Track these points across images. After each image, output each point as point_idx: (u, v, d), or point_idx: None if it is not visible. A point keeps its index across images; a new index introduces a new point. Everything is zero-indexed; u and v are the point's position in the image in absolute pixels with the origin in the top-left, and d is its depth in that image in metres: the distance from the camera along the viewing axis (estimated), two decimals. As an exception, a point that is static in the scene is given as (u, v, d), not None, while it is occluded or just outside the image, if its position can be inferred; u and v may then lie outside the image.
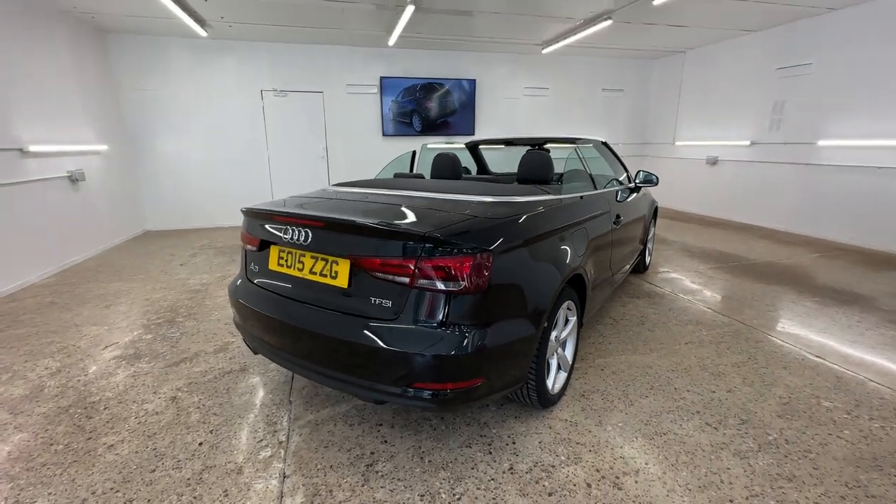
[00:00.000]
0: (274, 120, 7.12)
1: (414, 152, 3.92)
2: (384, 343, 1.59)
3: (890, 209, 5.06)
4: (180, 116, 6.73)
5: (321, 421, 2.13)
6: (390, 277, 1.62)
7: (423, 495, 1.68)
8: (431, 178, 3.31)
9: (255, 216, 2.08)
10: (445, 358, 1.54)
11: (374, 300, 1.66)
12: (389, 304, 1.63)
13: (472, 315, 1.60)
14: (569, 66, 8.25)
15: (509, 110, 8.23)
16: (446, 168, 3.22)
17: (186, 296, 3.89)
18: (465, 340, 1.57)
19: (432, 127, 7.82)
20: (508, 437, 2.00)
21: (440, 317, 1.58)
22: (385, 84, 7.39)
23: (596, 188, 2.87)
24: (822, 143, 5.69)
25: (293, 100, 7.13)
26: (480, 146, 4.35)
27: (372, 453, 1.91)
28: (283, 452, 1.91)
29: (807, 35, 5.81)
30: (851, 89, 5.36)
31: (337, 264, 1.75)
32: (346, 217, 1.76)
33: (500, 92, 8.06)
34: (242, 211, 2.19)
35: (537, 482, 1.73)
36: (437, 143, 4.29)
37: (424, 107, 7.67)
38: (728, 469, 1.79)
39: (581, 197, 2.53)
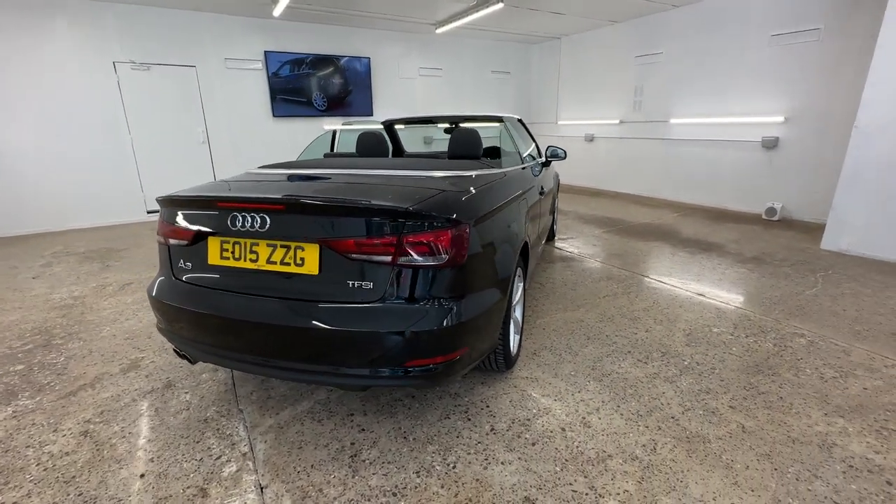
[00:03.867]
0: (136, 99, 6.02)
1: (334, 132, 3.69)
2: (371, 326, 1.53)
3: (721, 174, 6.30)
4: (-2, 93, 5.30)
5: (284, 423, 1.97)
6: (370, 257, 1.55)
7: (418, 472, 1.68)
8: (325, 156, 3.16)
9: (185, 204, 1.79)
10: (434, 332, 1.54)
11: (353, 283, 1.58)
12: (371, 285, 1.56)
13: (454, 287, 1.62)
14: (460, 47, 8.45)
15: (406, 90, 8.16)
16: (373, 147, 3.10)
17: (56, 313, 3.17)
18: (451, 313, 1.59)
19: (327, 107, 7.39)
20: (481, 401, 2.09)
21: (424, 292, 1.57)
22: (271, 59, 6.74)
23: (523, 163, 3.05)
24: (673, 121, 6.80)
25: (159, 75, 6.10)
26: (396, 125, 4.27)
27: (352, 444, 1.84)
28: (251, 463, 1.73)
29: (658, 28, 6.81)
30: (692, 76, 6.47)
31: (302, 250, 1.61)
32: (317, 197, 1.62)
33: (395, 72, 7.93)
34: (161, 200, 1.87)
35: (519, 436, 1.86)
36: (349, 125, 4.09)
37: (317, 86, 7.19)
38: (663, 393, 2.13)
39: (523, 169, 2.68)
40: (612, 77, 7.72)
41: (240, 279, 1.71)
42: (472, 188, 1.88)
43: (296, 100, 7.09)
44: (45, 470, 1.72)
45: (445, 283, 1.60)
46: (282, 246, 1.63)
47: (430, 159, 2.53)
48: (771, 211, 5.62)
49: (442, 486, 1.61)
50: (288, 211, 1.60)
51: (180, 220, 1.80)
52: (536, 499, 1.55)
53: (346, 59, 7.30)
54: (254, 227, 1.61)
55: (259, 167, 2.45)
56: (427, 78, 8.29)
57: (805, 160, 5.42)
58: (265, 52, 6.69)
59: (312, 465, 1.72)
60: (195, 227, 1.75)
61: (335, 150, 3.68)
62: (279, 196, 1.64)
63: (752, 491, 1.56)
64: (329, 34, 7.15)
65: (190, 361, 1.96)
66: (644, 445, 1.79)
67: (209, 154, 6.69)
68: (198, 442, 1.86)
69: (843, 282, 3.48)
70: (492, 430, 1.90)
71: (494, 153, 3.40)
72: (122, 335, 2.82)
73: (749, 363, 2.37)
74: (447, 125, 3.98)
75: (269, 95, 6.87)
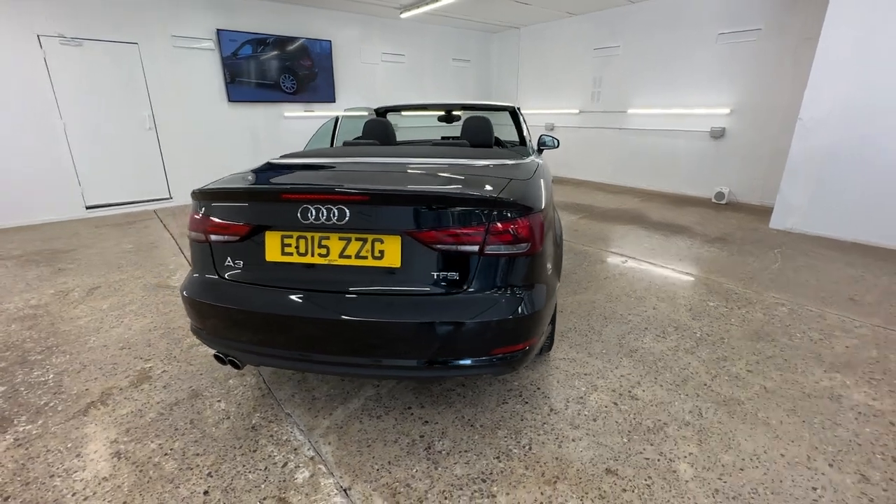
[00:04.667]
0: (68, 79, 5.28)
1: (337, 119, 3.51)
2: (460, 316, 1.51)
3: (676, 162, 6.83)
4: None
5: (342, 423, 1.90)
6: (457, 247, 1.52)
7: (497, 456, 1.71)
8: (344, 145, 3.04)
9: (238, 197, 1.64)
10: (522, 320, 1.57)
11: (437, 274, 1.55)
12: (456, 275, 1.55)
13: (533, 275, 1.64)
14: (422, 34, 8.31)
15: (369, 76, 7.91)
16: (381, 134, 3.00)
17: (19, 326, 2.77)
18: (533, 300, 1.61)
19: (288, 92, 6.97)
20: (531, 384, 2.15)
21: (507, 280, 1.58)
22: (224, 38, 6.20)
23: (532, 152, 3.11)
24: (630, 111, 7.22)
25: (95, 52, 5.39)
26: (389, 113, 4.14)
27: (421, 436, 1.82)
28: (323, 467, 1.66)
29: (615, 22, 7.15)
30: (647, 69, 6.90)
31: (382, 242, 1.54)
32: (405, 188, 1.57)
33: (358, 56, 7.64)
34: (202, 193, 1.70)
35: (578, 414, 1.94)
36: (353, 112, 3.91)
37: (283, 68, 6.75)
38: (689, 364, 2.32)
39: (542, 160, 2.74)
40: (572, 68, 8.02)
41: (306, 275, 1.61)
42: (530, 176, 1.90)
43: (260, 82, 6.61)
44: (85, 499, 1.53)
45: (526, 270, 1.62)
46: (357, 239, 1.56)
47: (458, 147, 2.50)
48: (720, 195, 6.20)
49: (526, 468, 1.65)
50: (371, 202, 1.53)
51: (229, 214, 1.65)
52: (617, 469, 1.64)
53: (306, 41, 6.90)
54: (330, 219, 1.52)
55: (282, 156, 2.28)
56: (390, 64, 8.09)
57: (747, 149, 6.03)
58: (217, 30, 6.14)
59: (389, 462, 1.69)
60: (251, 222, 1.62)
61: (335, 138, 3.51)
62: (358, 187, 1.56)
63: (793, 442, 1.77)
64: (286, 13, 6.71)
65: (236, 366, 1.82)
66: (691, 412, 1.95)
67: (157, 141, 6.06)
68: (254, 451, 1.74)
69: (798, 256, 3.96)
70: (551, 410, 1.97)
71: (498, 142, 3.43)
72: (115, 345, 2.53)
73: (749, 331, 2.65)
74: (441, 113, 3.94)
75: (224, 78, 6.34)
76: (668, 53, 6.58)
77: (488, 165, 2.00)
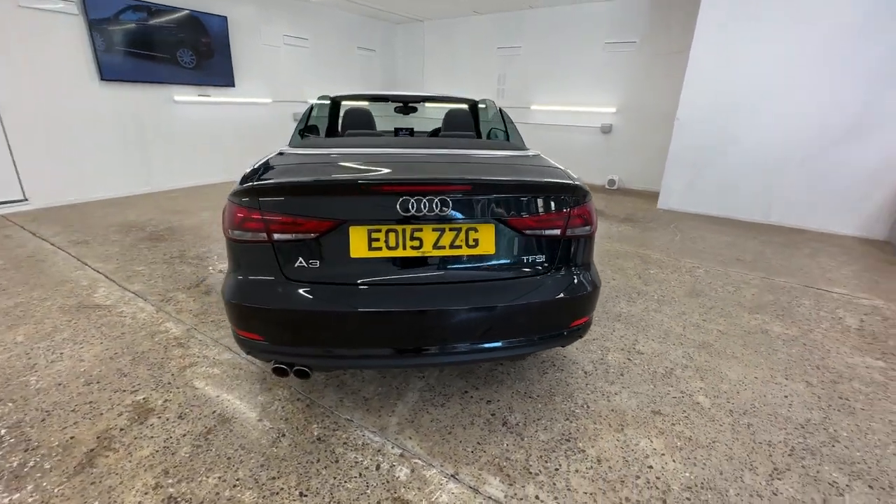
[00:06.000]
0: None
1: (311, 108, 3.22)
2: (551, 294, 1.66)
3: (574, 153, 7.77)
4: None
5: (410, 417, 1.89)
6: (543, 232, 1.65)
7: (567, 418, 1.90)
8: (347, 135, 2.89)
9: (317, 190, 1.52)
10: (591, 294, 1.77)
11: (526, 258, 1.66)
12: (542, 257, 1.67)
13: (591, 253, 1.86)
14: (326, 18, 7.88)
15: (271, 60, 7.23)
16: (364, 124, 2.89)
17: None
18: (595, 275, 1.83)
19: (188, 68, 6.01)
20: (557, 354, 2.39)
21: (581, 259, 1.77)
22: (91, 3, 5.08)
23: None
24: (534, 107, 7.95)
25: None
26: (343, 101, 3.92)
27: (493, 414, 1.92)
28: (418, 460, 1.66)
29: (517, 24, 7.76)
30: (546, 69, 7.66)
31: (476, 231, 1.59)
32: (502, 177, 1.64)
33: (258, 37, 6.93)
34: (263, 187, 1.52)
35: (608, 372, 2.24)
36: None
37: (171, 42, 5.77)
38: (662, 321, 2.81)
39: None
40: (477, 64, 8.45)
41: (397, 270, 1.57)
42: (558, 165, 2.10)
43: (146, 54, 5.55)
44: (164, 555, 1.29)
45: (588, 250, 1.82)
46: (451, 229, 1.57)
47: (465, 139, 2.57)
48: (612, 182, 7.27)
49: (594, 423, 1.88)
50: (470, 192, 1.55)
51: (304, 210, 1.51)
52: (659, 410, 1.97)
53: (196, 13, 6.02)
54: (432, 210, 1.51)
55: (297, 146, 2.08)
56: (293, 48, 7.50)
57: (631, 142, 7.17)
58: (81, -10, 5.00)
59: (478, 442, 1.76)
60: (333, 218, 1.51)
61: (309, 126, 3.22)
62: (458, 177, 1.56)
63: (757, 367, 2.33)
64: (171, -19, 5.76)
65: (304, 376, 1.67)
66: (683, 357, 2.40)
67: (1, 128, 4.73)
68: (336, 461, 1.64)
69: (688, 230, 4.94)
70: (584, 373, 2.23)
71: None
72: (75, 382, 2.04)
73: (687, 290, 3.29)
74: (398, 104, 3.90)
75: (94, 48, 5.19)
76: (564, 56, 7.40)
77: (520, 156, 2.14)
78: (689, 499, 1.53)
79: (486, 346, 1.67)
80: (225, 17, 6.38)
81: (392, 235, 1.55)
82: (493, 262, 1.63)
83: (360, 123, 2.86)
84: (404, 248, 1.56)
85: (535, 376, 2.20)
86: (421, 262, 1.58)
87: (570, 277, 1.73)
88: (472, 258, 1.61)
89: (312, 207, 1.52)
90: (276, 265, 1.55)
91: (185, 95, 6.15)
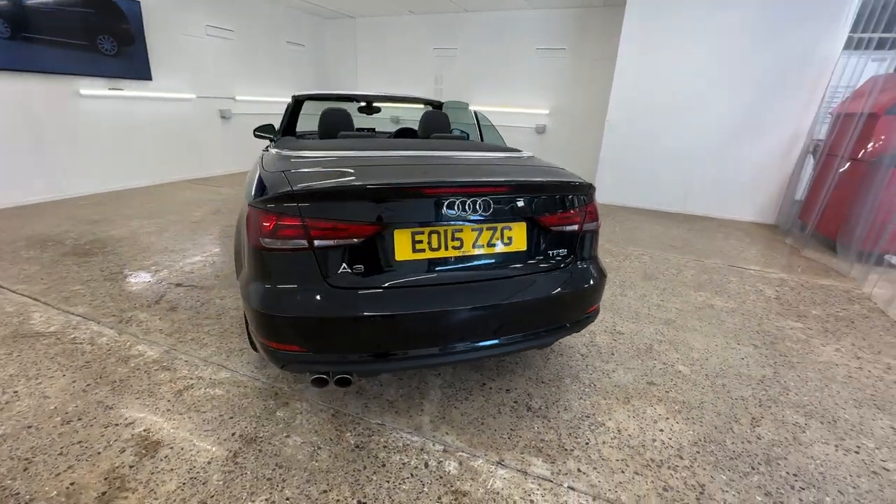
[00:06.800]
0: None
1: (296, 106, 3.02)
2: (575, 285, 1.81)
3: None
4: None
5: (441, 413, 1.93)
6: (565, 228, 1.79)
7: (580, 396, 2.08)
8: (323, 137, 2.80)
9: (364, 194, 1.51)
10: (603, 281, 1.96)
11: (552, 252, 1.78)
12: (564, 251, 1.82)
13: (597, 246, 2.04)
14: (251, 8, 7.37)
15: (194, 52, 6.60)
16: (345, 125, 2.82)
17: None
18: (602, 266, 2.02)
19: (108, 54, 5.26)
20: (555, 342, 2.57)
21: (591, 251, 1.95)
22: (-33, -24, 4.25)
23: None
24: (472, 108, 8.17)
25: None
26: (307, 101, 3.74)
27: (515, 402, 2.03)
28: (463, 453, 1.72)
29: (453, 26, 7.93)
30: (483, 71, 7.93)
31: (510, 229, 1.68)
32: (534, 178, 1.75)
33: (178, 26, 6.28)
34: (308, 191, 1.47)
35: (600, 352, 2.47)
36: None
37: (62, 27, 5.00)
38: (629, 303, 3.14)
39: None
40: (414, 64, 8.49)
41: (439, 270, 1.61)
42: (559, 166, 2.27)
43: (46, 39, 4.74)
44: (236, 587, 1.21)
45: (596, 243, 2.01)
46: (488, 228, 1.65)
47: (458, 140, 2.64)
48: (548, 179, 7.77)
49: (604, 398, 2.08)
50: (509, 193, 1.64)
51: (349, 214, 1.48)
52: (653, 381, 2.24)
53: (105, -3, 5.31)
54: (475, 210, 1.57)
55: (295, 148, 1.99)
56: (217, 40, 6.92)
57: (563, 142, 7.72)
58: (-47, -39, 4.16)
59: (511, 429, 1.86)
60: (379, 221, 1.50)
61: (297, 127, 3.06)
62: (498, 179, 1.64)
63: (714, 336, 2.72)
64: (69, -44, 5.00)
65: (346, 384, 1.64)
66: (656, 332, 2.72)
67: None
68: (384, 465, 1.64)
69: (624, 221, 5.49)
70: (581, 355, 2.44)
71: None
72: (45, 421, 1.76)
73: (641, 275, 3.69)
74: (362, 104, 3.83)
75: (-27, 34, 4.35)
76: (499, 59, 7.74)
77: (521, 157, 2.28)
78: (699, 452, 1.78)
79: (522, 336, 1.77)
80: (138, 2, 5.71)
81: (434, 237, 1.59)
82: (525, 258, 1.74)
83: (340, 124, 2.80)
84: (446, 248, 1.61)
85: (541, 363, 2.35)
86: (462, 261, 1.64)
87: (587, 268, 1.90)
88: (507, 255, 1.71)
89: (358, 212, 1.50)
90: (317, 272, 1.50)
91: (93, 89, 5.40)
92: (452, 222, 1.59)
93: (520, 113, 7.82)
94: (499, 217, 1.66)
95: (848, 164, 4.32)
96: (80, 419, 1.79)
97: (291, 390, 2.03)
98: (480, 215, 1.60)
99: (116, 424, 1.77)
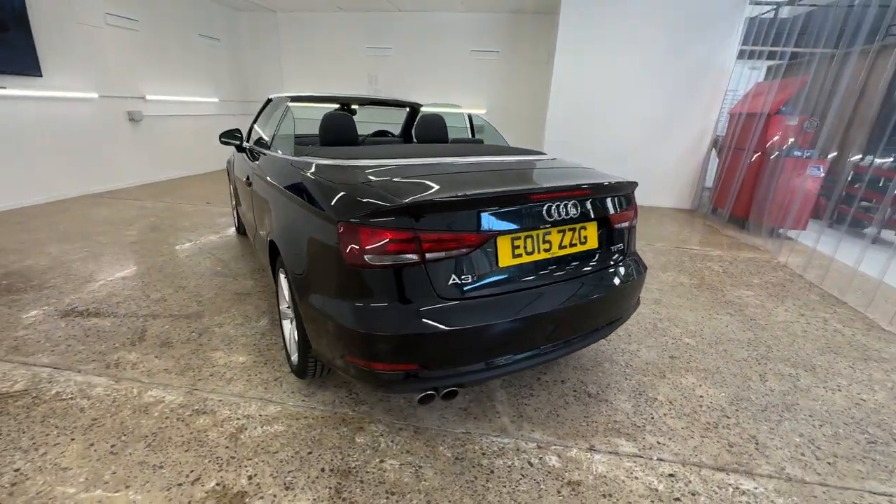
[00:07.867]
0: None
1: (287, 108, 2.74)
2: (637, 275, 1.98)
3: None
4: None
5: (517, 413, 1.98)
6: (623, 225, 1.94)
7: (625, 377, 2.27)
8: (326, 143, 2.63)
9: (475, 205, 1.50)
10: (645, 273, 2.16)
11: (614, 247, 1.92)
12: (622, 246, 1.97)
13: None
14: (157, -4, 6.51)
15: (92, 45, 5.63)
16: (347, 131, 2.68)
17: None
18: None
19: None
20: (575, 330, 2.74)
21: (634, 246, 2.13)
22: None
23: None
24: (410, 108, 8.15)
25: None
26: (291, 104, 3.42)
27: (574, 391, 2.15)
28: (556, 446, 1.79)
29: (386, 25, 7.81)
30: (419, 70, 7.94)
31: (585, 229, 1.78)
32: (604, 181, 1.85)
33: (68, 13, 5.31)
34: (423, 203, 1.42)
35: (621, 337, 2.70)
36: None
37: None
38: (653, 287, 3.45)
39: None
40: (347, 62, 8.20)
41: (535, 272, 1.66)
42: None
43: None
44: None
45: (635, 237, 2.19)
46: (570, 229, 1.73)
47: (475, 145, 2.66)
48: (489, 176, 8.07)
49: (644, 375, 2.30)
50: (586, 195, 1.73)
51: (458, 225, 1.46)
52: (673, 355, 2.52)
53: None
54: (563, 214, 1.64)
55: (329, 157, 1.89)
56: (119, 30, 5.99)
57: (500, 140, 8.05)
58: None
59: (585, 417, 1.97)
60: (486, 230, 1.50)
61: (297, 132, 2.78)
62: (584, 182, 1.73)
63: (696, 310, 3.12)
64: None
65: (453, 396, 1.61)
66: (653, 312, 3.05)
67: None
68: (490, 472, 1.65)
69: (574, 213, 5.94)
70: (607, 340, 2.65)
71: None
72: (89, 497, 1.45)
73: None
74: (336, 105, 3.64)
75: None
76: (435, 59, 7.83)
77: (548, 159, 2.39)
78: (737, 410, 2.06)
79: (597, 329, 1.89)
80: (16, -18, 4.72)
81: (529, 241, 1.63)
82: (597, 255, 1.86)
83: (344, 130, 2.66)
84: (538, 251, 1.66)
85: (576, 352, 2.50)
86: (551, 262, 1.70)
87: (636, 261, 2.08)
88: (584, 253, 1.81)
89: (469, 221, 1.48)
90: (428, 286, 1.46)
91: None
92: (542, 226, 1.65)
93: (458, 113, 7.97)
94: (579, 218, 1.75)
95: (754, 157, 5.19)
96: (127, 486, 1.50)
97: (357, 413, 1.92)
98: (569, 217, 1.68)
99: (180, 484, 1.52)
